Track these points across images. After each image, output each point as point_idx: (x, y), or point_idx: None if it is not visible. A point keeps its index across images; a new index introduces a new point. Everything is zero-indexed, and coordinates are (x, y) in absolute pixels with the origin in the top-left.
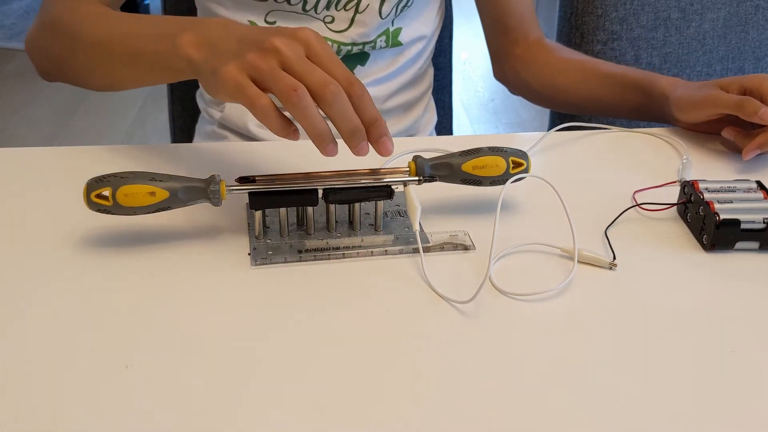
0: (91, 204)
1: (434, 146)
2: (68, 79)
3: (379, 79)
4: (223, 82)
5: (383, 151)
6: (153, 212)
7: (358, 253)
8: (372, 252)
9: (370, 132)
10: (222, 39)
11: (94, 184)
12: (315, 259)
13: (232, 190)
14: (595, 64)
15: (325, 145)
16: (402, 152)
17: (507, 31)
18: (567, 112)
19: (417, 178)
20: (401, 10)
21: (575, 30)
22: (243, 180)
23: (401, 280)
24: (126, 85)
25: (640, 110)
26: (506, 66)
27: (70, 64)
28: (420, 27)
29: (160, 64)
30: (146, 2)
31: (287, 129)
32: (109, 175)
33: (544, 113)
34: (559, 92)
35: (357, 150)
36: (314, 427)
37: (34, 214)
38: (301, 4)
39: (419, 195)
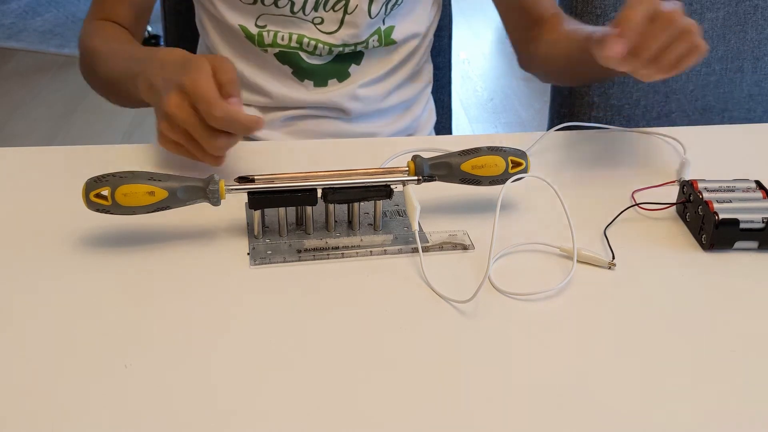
0: (90, 204)
1: (433, 146)
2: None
3: (375, 79)
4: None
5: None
6: (152, 212)
7: (357, 252)
8: (371, 252)
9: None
10: (157, 80)
11: (92, 184)
12: (314, 259)
13: (231, 189)
14: (563, 27)
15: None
16: (401, 152)
17: (530, 23)
18: (564, 85)
19: (416, 177)
20: (391, 9)
21: None
22: (242, 180)
23: (400, 280)
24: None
25: (593, 67)
26: (527, 52)
27: (101, 91)
28: (413, 24)
29: (142, 103)
30: None
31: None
32: (107, 175)
33: (544, 113)
34: (549, 64)
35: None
36: (313, 426)
37: (32, 214)
38: (288, 7)
39: (418, 194)
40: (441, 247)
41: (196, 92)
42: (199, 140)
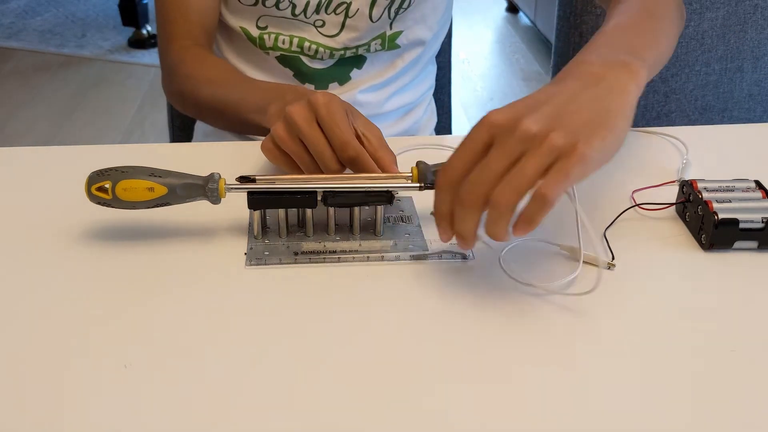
0: (92, 197)
1: (433, 144)
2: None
3: (376, 84)
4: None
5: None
6: (152, 207)
7: (353, 257)
8: (368, 257)
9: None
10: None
11: (95, 177)
12: (310, 262)
13: (231, 188)
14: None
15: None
16: (401, 150)
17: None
18: None
19: (418, 184)
20: (396, 14)
21: (574, 29)
22: (243, 179)
23: (394, 286)
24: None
25: None
26: None
27: (195, 115)
28: (422, 31)
29: (258, 128)
30: (144, 1)
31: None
32: (110, 169)
33: None
34: None
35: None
36: (308, 427)
37: (32, 214)
38: (290, 9)
39: (420, 201)
40: (440, 255)
41: (329, 111)
42: (315, 157)
